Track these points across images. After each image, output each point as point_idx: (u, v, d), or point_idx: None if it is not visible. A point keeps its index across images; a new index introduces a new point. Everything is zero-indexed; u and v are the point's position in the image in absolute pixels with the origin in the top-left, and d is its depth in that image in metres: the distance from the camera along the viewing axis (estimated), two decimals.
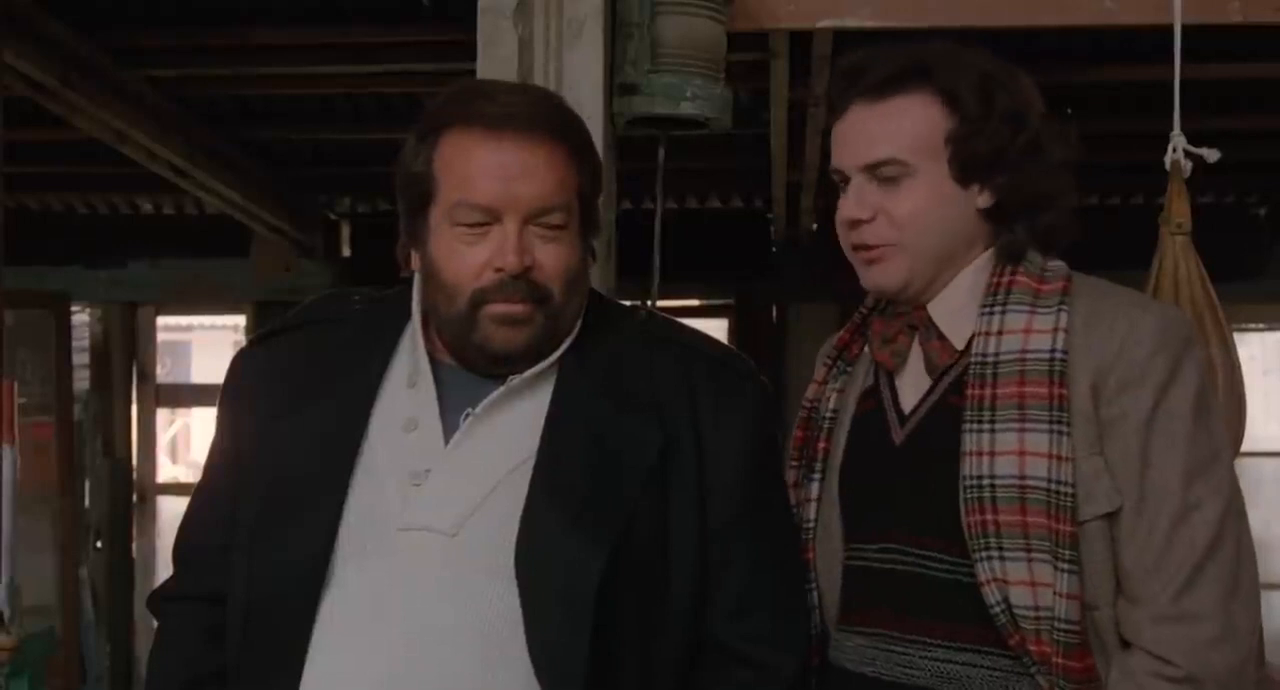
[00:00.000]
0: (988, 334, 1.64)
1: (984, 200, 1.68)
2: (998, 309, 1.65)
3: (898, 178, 1.66)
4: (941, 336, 1.69)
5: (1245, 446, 2.27)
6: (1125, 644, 1.58)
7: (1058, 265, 1.68)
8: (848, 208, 1.69)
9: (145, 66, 4.39)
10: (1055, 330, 1.60)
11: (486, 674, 1.50)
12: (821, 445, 1.76)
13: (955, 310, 1.69)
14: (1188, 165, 2.28)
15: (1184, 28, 2.33)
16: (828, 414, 1.77)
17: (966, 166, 1.66)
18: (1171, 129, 2.29)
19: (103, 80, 4.19)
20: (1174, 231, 2.26)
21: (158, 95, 4.58)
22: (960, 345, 1.67)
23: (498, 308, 1.56)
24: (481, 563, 1.53)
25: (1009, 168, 1.66)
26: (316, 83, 4.67)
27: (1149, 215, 2.36)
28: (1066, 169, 1.70)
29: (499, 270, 1.56)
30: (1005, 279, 1.67)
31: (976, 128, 1.65)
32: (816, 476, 1.75)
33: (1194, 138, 2.29)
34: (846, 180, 1.71)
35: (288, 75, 4.52)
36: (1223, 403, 2.21)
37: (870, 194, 1.67)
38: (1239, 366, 2.27)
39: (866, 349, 1.78)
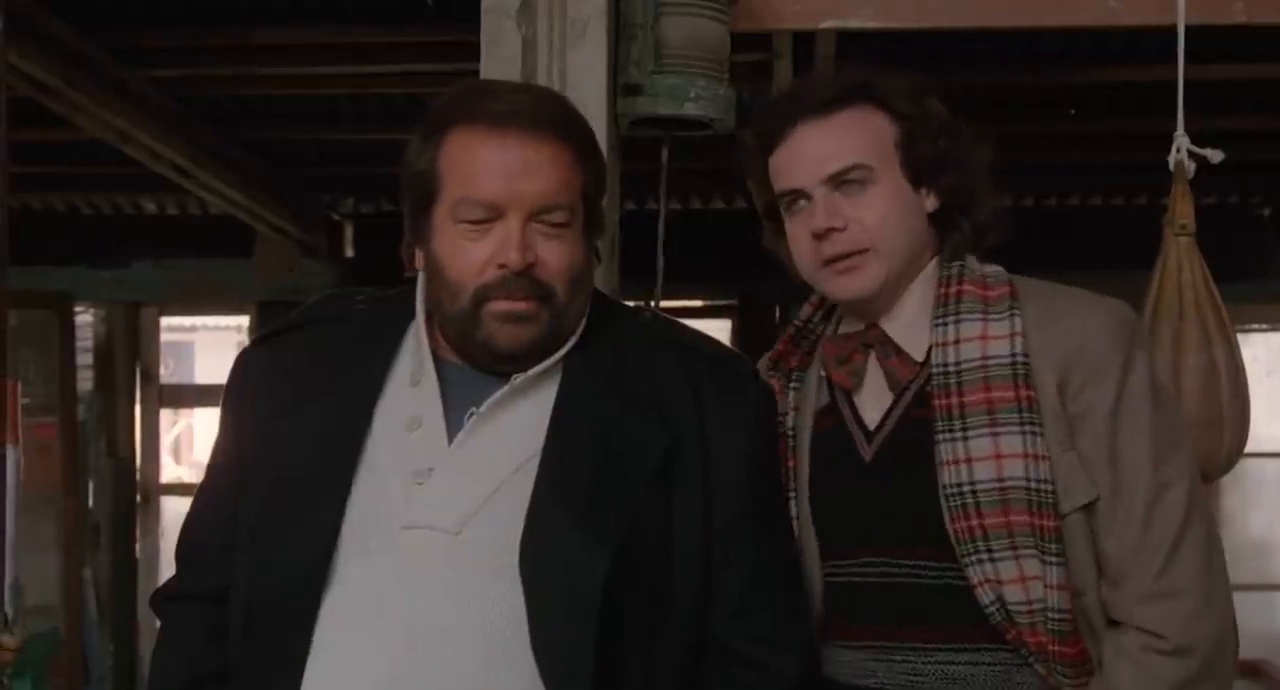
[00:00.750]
0: (944, 344, 1.68)
1: (930, 203, 1.74)
2: (950, 319, 1.69)
3: (864, 183, 1.70)
4: (900, 351, 1.72)
5: (1248, 447, 2.26)
6: (1112, 624, 1.63)
7: (996, 270, 1.74)
8: (819, 219, 1.71)
9: (148, 66, 4.39)
10: (1012, 335, 1.66)
11: (490, 673, 1.50)
12: (790, 463, 1.78)
13: (908, 323, 1.73)
14: (1191, 166, 2.28)
15: (1187, 28, 2.32)
16: (788, 432, 1.79)
17: (917, 169, 1.72)
18: (1175, 129, 2.29)
19: (105, 80, 4.19)
20: (1178, 232, 2.26)
21: (161, 95, 4.58)
22: (919, 357, 1.71)
23: (501, 305, 1.57)
24: (485, 562, 1.53)
25: (950, 169, 1.73)
26: (319, 83, 4.67)
27: (1153, 216, 2.36)
28: (988, 170, 1.77)
29: (502, 267, 1.56)
30: (953, 289, 1.71)
31: (919, 134, 1.72)
32: (792, 495, 1.77)
33: (1198, 138, 2.28)
34: (801, 199, 1.73)
35: (290, 75, 4.52)
36: (1226, 404, 2.21)
37: (837, 203, 1.71)
38: (1242, 368, 2.26)
39: (815, 366, 1.80)
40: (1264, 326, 6.63)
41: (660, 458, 1.58)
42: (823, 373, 1.79)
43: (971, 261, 1.74)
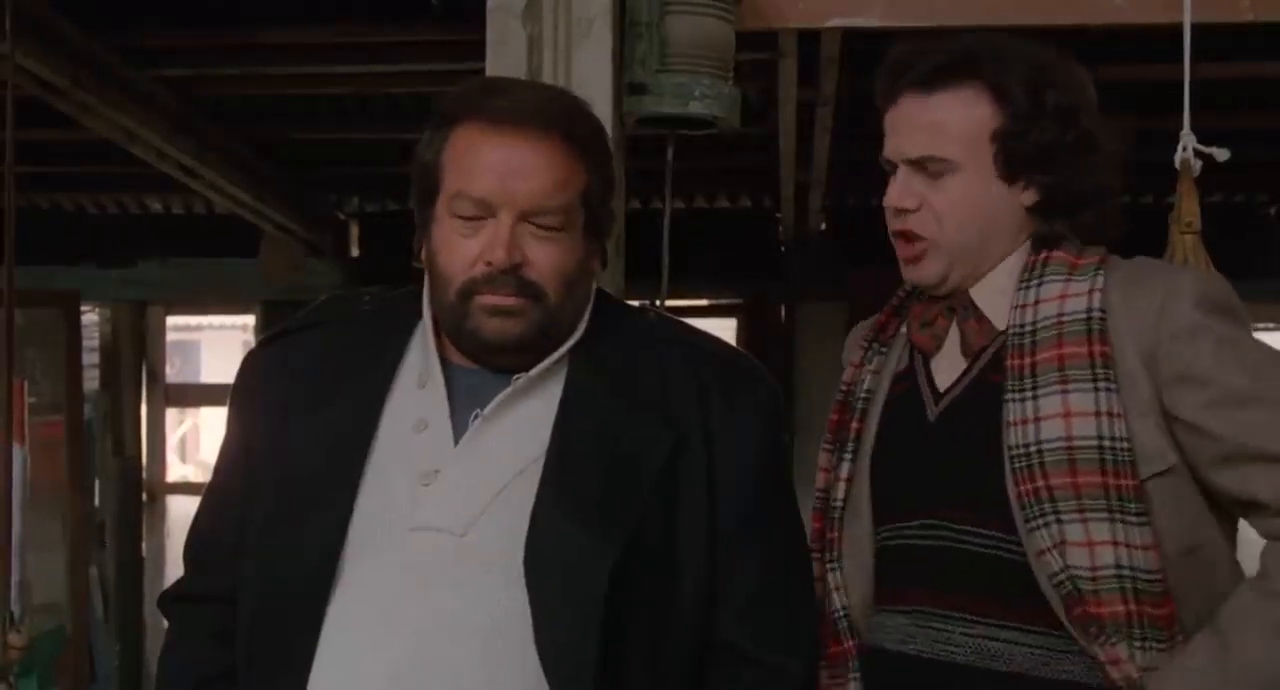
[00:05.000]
0: (1024, 306, 1.65)
1: (1029, 197, 1.68)
2: (1034, 282, 1.66)
3: (941, 173, 1.67)
4: (980, 317, 1.69)
5: None
6: (1209, 595, 1.57)
7: (1095, 248, 1.69)
8: (893, 195, 1.70)
9: (155, 66, 4.40)
10: (1090, 292, 1.61)
11: (495, 674, 1.50)
12: (855, 426, 1.75)
13: (996, 292, 1.69)
14: (1197, 164, 2.27)
15: (1194, 26, 2.32)
16: (862, 395, 1.77)
17: (1012, 163, 1.66)
18: (1181, 128, 2.29)
19: (112, 80, 4.20)
20: (1184, 230, 2.26)
21: (168, 95, 4.59)
22: (1001, 325, 1.68)
23: (488, 299, 1.57)
24: (491, 563, 1.53)
25: (1056, 165, 1.66)
26: (325, 82, 4.68)
27: (1159, 214, 2.35)
28: (1116, 164, 1.71)
29: (489, 263, 1.56)
30: (1042, 256, 1.68)
31: (1025, 125, 1.65)
32: (848, 456, 1.75)
33: (1204, 137, 2.28)
34: (895, 167, 1.72)
35: (297, 75, 4.52)
36: None
37: (916, 184, 1.69)
38: None
39: (902, 331, 1.78)
40: (1270, 325, 6.62)
41: (665, 457, 1.58)
42: (904, 331, 1.77)
43: (1071, 240, 1.69)
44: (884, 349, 1.79)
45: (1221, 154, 2.27)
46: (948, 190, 1.67)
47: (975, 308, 1.69)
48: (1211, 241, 2.26)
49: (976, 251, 1.68)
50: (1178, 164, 2.27)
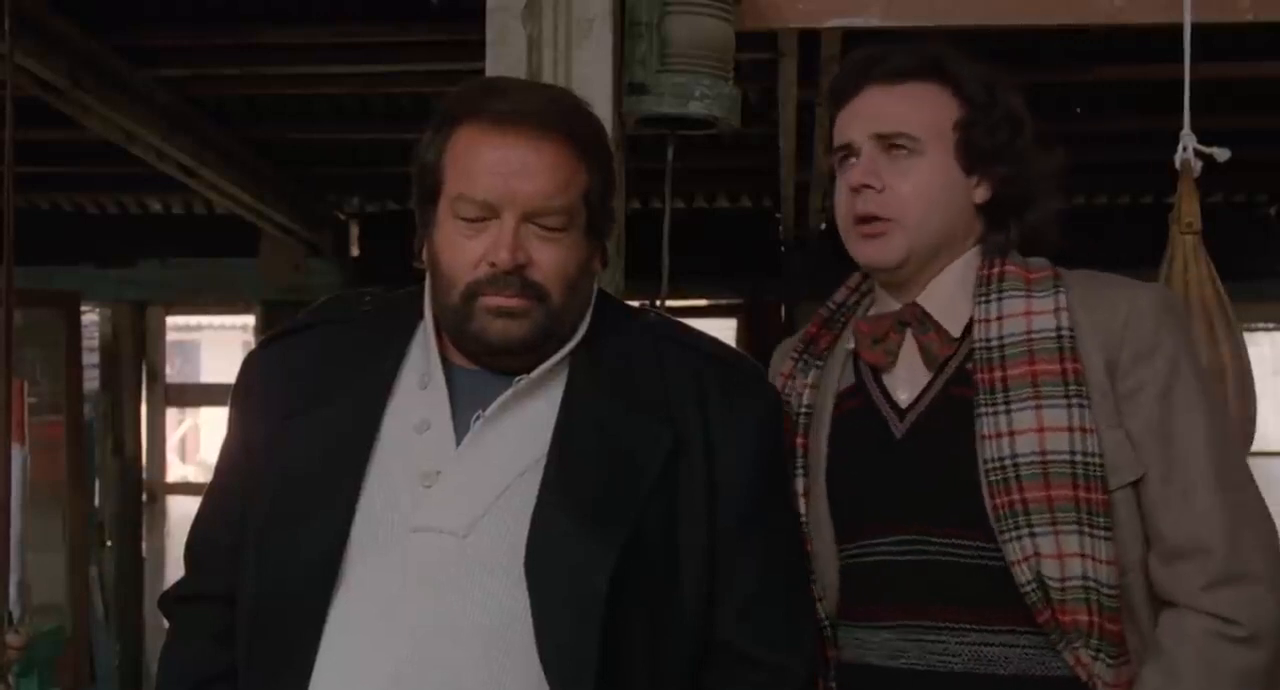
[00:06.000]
0: (988, 320, 1.68)
1: (981, 193, 1.74)
2: (993, 296, 1.69)
3: (908, 154, 1.71)
4: (938, 327, 1.71)
5: (1255, 446, 2.26)
6: (1167, 605, 1.61)
7: (1040, 260, 1.74)
8: (856, 174, 1.72)
9: (154, 66, 4.40)
10: (1057, 310, 1.66)
11: (496, 674, 1.50)
12: (799, 441, 1.76)
13: (947, 300, 1.73)
14: (1198, 164, 2.27)
15: (1194, 26, 2.32)
16: (801, 409, 1.78)
17: (971, 155, 1.72)
18: (1181, 128, 2.29)
19: (112, 80, 4.20)
20: (1184, 230, 2.26)
21: (167, 94, 4.59)
22: (956, 333, 1.71)
23: (491, 300, 1.57)
24: (492, 564, 1.53)
25: (1008, 163, 1.73)
26: (325, 82, 4.68)
27: (1159, 214, 2.35)
28: (1053, 175, 1.77)
29: (493, 265, 1.56)
30: (995, 270, 1.72)
31: (983, 120, 1.72)
32: (799, 472, 1.75)
33: (1204, 136, 2.28)
34: (853, 155, 1.74)
35: (296, 75, 4.52)
36: (1233, 404, 2.20)
37: (881, 165, 1.72)
38: (1249, 367, 2.26)
39: (840, 345, 1.80)
40: (1270, 325, 6.62)
41: (665, 457, 1.58)
42: (849, 348, 1.78)
43: (1015, 253, 1.74)
44: (818, 362, 1.80)
45: (1221, 154, 2.27)
46: (913, 174, 1.71)
47: (930, 319, 1.72)
48: (1211, 241, 2.26)
49: (934, 239, 1.72)
50: (1178, 164, 2.28)
